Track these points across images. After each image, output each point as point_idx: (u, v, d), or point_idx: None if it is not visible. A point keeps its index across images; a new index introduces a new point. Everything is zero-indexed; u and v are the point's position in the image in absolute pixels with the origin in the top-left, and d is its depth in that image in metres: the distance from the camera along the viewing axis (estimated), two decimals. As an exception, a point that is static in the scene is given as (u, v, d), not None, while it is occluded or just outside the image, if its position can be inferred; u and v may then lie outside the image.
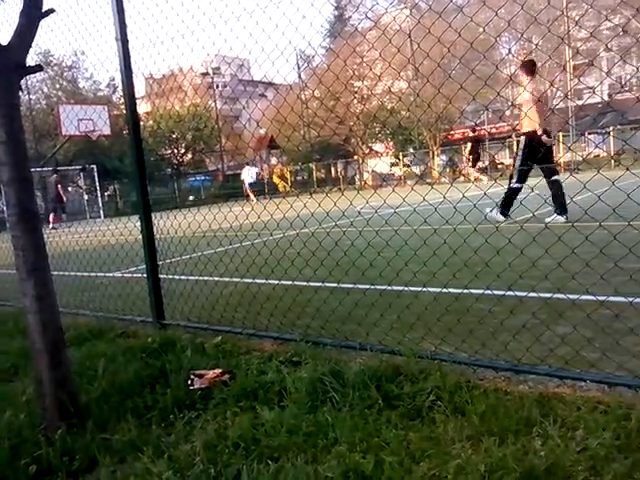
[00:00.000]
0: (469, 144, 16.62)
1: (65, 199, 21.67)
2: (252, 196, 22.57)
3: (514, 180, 7.56)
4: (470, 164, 16.61)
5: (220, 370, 2.74)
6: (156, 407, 2.48)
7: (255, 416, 2.26)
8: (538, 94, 7.47)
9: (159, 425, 2.33)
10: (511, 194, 7.50)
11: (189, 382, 2.65)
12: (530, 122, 7.38)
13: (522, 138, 7.59)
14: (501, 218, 7.38)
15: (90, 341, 3.59)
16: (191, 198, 32.25)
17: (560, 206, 7.30)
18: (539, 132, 7.34)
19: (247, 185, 23.59)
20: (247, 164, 24.86)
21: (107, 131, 24.08)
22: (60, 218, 20.41)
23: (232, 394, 2.49)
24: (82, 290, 5.43)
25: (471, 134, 17.19)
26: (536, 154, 7.33)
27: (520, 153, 7.58)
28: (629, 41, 25.52)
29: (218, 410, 2.40)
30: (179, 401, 2.50)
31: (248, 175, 24.03)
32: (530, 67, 7.55)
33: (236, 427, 2.18)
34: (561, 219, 7.19)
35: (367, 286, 3.73)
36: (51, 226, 18.67)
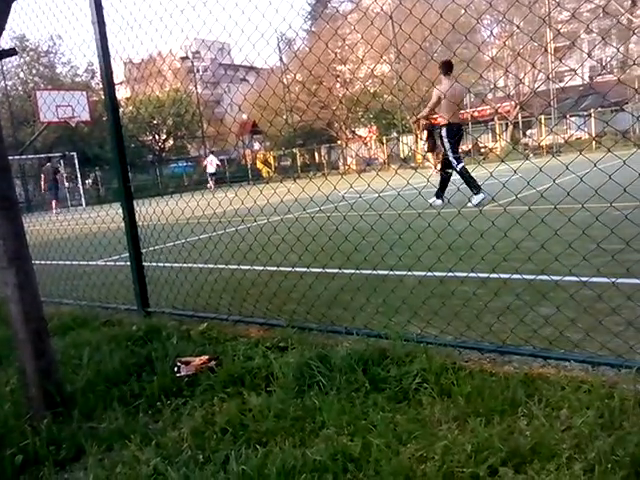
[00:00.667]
0: (425, 132, 17.10)
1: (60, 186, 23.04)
2: (211, 184, 24.06)
3: (455, 164, 8.23)
4: (427, 149, 17.36)
5: (206, 357, 2.73)
6: (143, 395, 2.47)
7: (242, 402, 2.27)
8: (453, 91, 8.22)
9: (146, 413, 2.33)
10: (467, 176, 8.03)
11: (175, 369, 2.64)
12: (447, 115, 8.29)
13: (443, 130, 8.43)
14: (480, 197, 7.75)
15: (74, 330, 3.56)
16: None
17: (439, 193, 8.22)
18: (456, 120, 8.46)
19: (208, 174, 25.16)
20: (212, 152, 25.86)
21: (86, 117, 23.64)
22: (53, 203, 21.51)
23: (219, 380, 2.49)
24: (65, 279, 5.38)
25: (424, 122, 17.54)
26: (458, 139, 8.42)
27: (446, 142, 8.37)
28: (609, 23, 25.64)
29: (205, 396, 2.40)
30: (166, 388, 2.49)
31: (210, 165, 25.48)
32: (447, 68, 8.30)
33: (223, 413, 2.18)
34: (438, 202, 8.04)
35: (352, 271, 3.73)
36: (54, 211, 20.18)
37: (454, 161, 8.22)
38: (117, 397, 2.46)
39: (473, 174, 7.86)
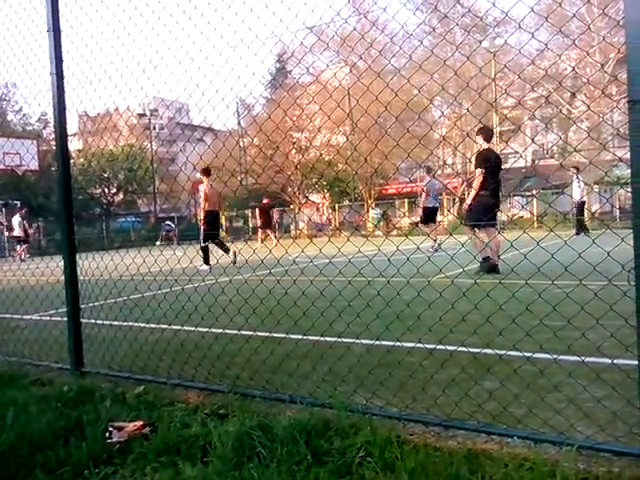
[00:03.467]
0: (258, 210, 20.65)
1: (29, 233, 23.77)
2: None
3: (202, 242, 10.98)
4: (260, 225, 20.43)
5: (141, 422, 2.59)
6: (69, 461, 2.29)
7: (176, 472, 2.14)
8: (211, 189, 11.33)
9: (71, 482, 2.16)
10: (205, 250, 10.74)
11: (107, 434, 2.49)
12: (208, 205, 11.28)
13: (202, 214, 11.23)
14: (207, 267, 10.38)
15: (0, 388, 3.33)
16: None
17: (205, 260, 10.75)
18: (212, 209, 11.41)
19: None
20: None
21: (34, 166, 23.18)
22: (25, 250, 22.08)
23: (153, 448, 2.34)
24: (-5, 332, 5.08)
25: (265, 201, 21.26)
26: (215, 224, 11.49)
27: (204, 224, 11.19)
28: (551, 112, 27.44)
29: (137, 465, 2.25)
30: (95, 455, 2.33)
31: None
32: (205, 173, 11.34)
33: (155, 485, 2.05)
34: (205, 268, 10.32)
35: (299, 336, 3.67)
36: (21, 258, 20.89)
37: (202, 240, 11.03)
38: (40, 463, 2.28)
39: (424, 245, 8.16)
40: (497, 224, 8.07)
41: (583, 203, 15.08)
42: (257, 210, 21.22)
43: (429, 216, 13.26)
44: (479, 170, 7.97)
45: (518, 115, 27.49)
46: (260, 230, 20.27)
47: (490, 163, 7.80)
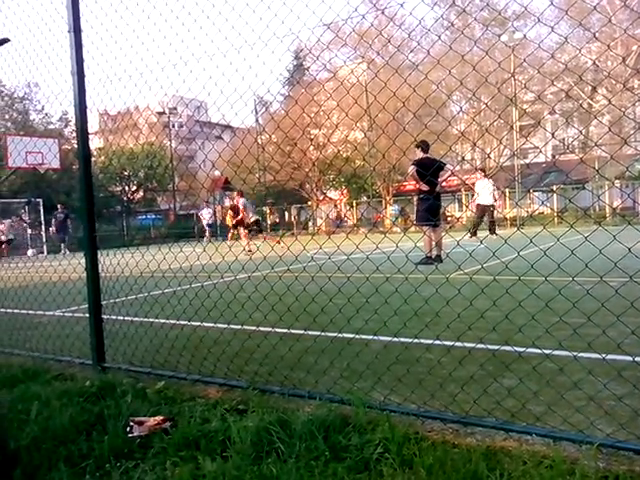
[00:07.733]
0: (230, 210, 20.56)
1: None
2: (208, 236, 24.10)
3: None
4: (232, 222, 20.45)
5: (161, 417, 2.62)
6: (91, 455, 2.34)
7: (196, 467, 2.16)
8: None
9: (94, 475, 2.20)
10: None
11: (128, 429, 2.53)
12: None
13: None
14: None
15: (24, 383, 3.40)
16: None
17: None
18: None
19: (206, 225, 25.48)
20: (206, 202, 26.48)
21: (56, 165, 23.49)
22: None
23: (173, 443, 2.38)
24: (18, 328, 5.17)
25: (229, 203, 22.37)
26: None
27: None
28: (571, 106, 27.08)
29: (157, 460, 2.28)
30: (116, 449, 2.37)
31: (207, 215, 26.22)
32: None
33: (176, 478, 2.08)
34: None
35: (318, 332, 3.69)
36: (63, 252, 21.72)
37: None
38: (64, 457, 2.33)
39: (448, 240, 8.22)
40: (440, 223, 9.30)
41: (493, 207, 15.74)
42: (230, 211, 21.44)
43: (255, 226, 16.70)
44: (411, 168, 9.13)
45: (538, 110, 27.16)
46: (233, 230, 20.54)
47: (426, 167, 8.83)
